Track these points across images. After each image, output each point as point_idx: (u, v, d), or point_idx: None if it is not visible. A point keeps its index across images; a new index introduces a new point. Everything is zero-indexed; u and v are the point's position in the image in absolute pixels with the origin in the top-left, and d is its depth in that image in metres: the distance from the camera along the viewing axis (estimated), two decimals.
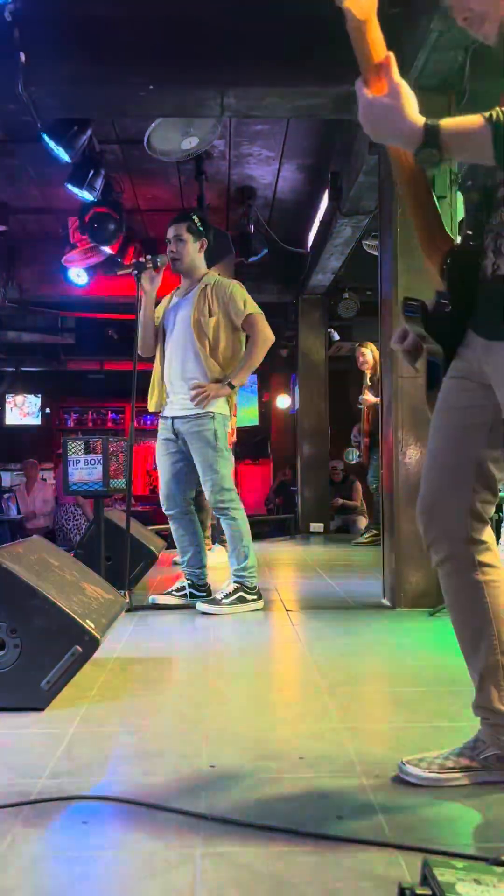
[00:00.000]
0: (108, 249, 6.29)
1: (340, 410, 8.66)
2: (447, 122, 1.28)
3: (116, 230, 5.80)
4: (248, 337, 3.62)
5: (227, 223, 6.90)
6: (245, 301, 3.59)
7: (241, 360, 3.59)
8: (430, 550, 1.60)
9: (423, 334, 1.53)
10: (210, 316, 3.56)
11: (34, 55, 3.58)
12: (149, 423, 12.98)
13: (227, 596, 3.53)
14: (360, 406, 6.63)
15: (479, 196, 1.46)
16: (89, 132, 4.64)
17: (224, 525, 3.62)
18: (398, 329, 1.60)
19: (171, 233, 3.65)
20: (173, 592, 3.71)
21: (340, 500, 9.13)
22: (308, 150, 5.64)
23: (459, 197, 1.54)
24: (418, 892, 0.98)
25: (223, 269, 5.94)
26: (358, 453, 7.06)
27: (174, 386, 3.62)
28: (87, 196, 5.21)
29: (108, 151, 5.47)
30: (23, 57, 3.52)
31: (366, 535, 6.68)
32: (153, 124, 4.64)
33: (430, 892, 0.97)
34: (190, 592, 3.67)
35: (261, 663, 2.73)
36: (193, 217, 3.68)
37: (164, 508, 3.73)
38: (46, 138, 4.39)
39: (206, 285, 3.61)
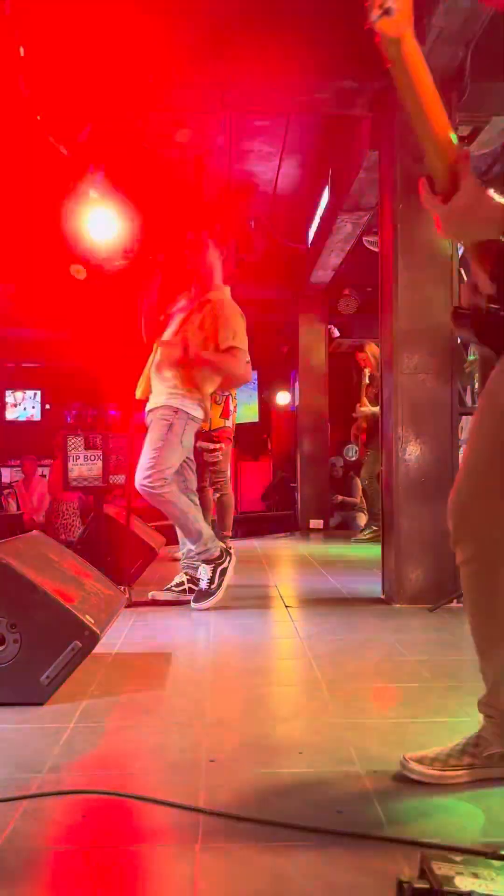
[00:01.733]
0: (108, 246, 6.28)
1: (340, 407, 8.66)
2: None
3: (117, 226, 5.79)
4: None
5: (228, 219, 6.89)
6: (233, 334, 3.53)
7: (217, 356, 3.54)
8: (457, 548, 1.58)
9: (474, 341, 1.52)
10: (202, 329, 3.56)
11: (34, 49, 3.57)
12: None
13: (210, 581, 3.53)
14: (356, 416, 6.65)
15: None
16: (89, 127, 4.63)
17: (164, 511, 3.57)
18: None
19: (190, 238, 3.68)
20: (172, 588, 3.72)
21: (340, 497, 9.13)
22: (308, 146, 5.63)
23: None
24: (416, 885, 0.98)
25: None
26: (357, 449, 7.08)
27: (154, 379, 3.65)
28: (86, 192, 5.20)
29: (108, 149, 5.45)
30: (22, 51, 3.52)
31: (365, 532, 6.69)
32: None
33: (428, 886, 0.97)
34: (189, 588, 3.67)
35: (260, 659, 2.73)
36: (216, 225, 3.71)
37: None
38: (46, 134, 4.38)
39: (209, 300, 3.61)
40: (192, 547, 3.59)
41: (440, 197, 1.32)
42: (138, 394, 3.73)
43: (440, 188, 1.32)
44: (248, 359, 3.61)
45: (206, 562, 3.57)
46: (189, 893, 1.18)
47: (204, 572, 3.57)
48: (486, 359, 1.56)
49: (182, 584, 3.70)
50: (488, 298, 1.47)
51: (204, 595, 3.52)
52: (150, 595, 3.67)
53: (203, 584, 3.55)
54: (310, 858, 1.28)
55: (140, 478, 3.49)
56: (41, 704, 2.09)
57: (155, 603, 3.63)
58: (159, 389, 3.61)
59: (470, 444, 1.60)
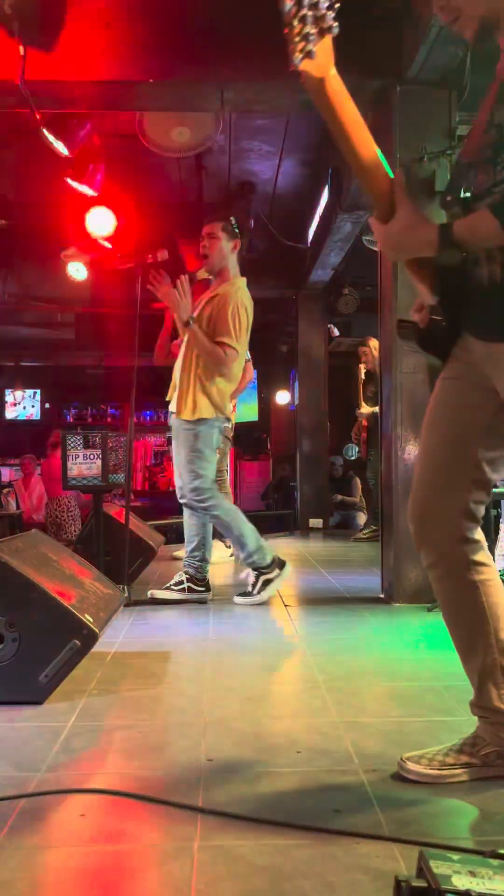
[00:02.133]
0: (107, 244, 6.28)
1: (340, 406, 8.66)
2: (457, 222, 1.37)
3: (116, 225, 5.80)
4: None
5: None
6: (226, 331, 3.49)
7: (207, 342, 3.49)
8: (422, 552, 1.60)
9: (418, 351, 1.58)
10: (208, 320, 3.56)
11: (34, 48, 3.56)
12: (148, 418, 12.99)
13: (252, 586, 3.60)
14: (359, 417, 6.63)
15: (461, 210, 1.48)
16: (88, 126, 4.63)
17: (212, 522, 3.65)
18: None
19: (205, 230, 3.66)
20: (172, 587, 3.72)
21: (340, 497, 9.14)
22: (308, 146, 5.62)
23: (440, 213, 1.57)
24: (414, 884, 0.98)
25: None
26: (357, 449, 7.07)
27: (177, 382, 3.67)
28: (86, 190, 5.20)
29: (107, 146, 5.45)
30: (22, 49, 3.51)
31: (365, 531, 6.69)
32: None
33: (425, 884, 0.97)
34: (188, 587, 3.67)
35: (259, 658, 2.74)
36: (230, 217, 3.69)
37: (178, 497, 3.75)
38: (45, 132, 4.38)
39: (218, 294, 3.59)
40: (241, 555, 3.63)
41: (380, 220, 1.42)
42: (168, 396, 3.75)
43: (378, 214, 1.42)
44: (248, 357, 3.59)
45: (254, 569, 3.62)
46: (187, 892, 1.18)
47: (248, 577, 3.66)
48: (434, 368, 1.60)
49: (181, 582, 3.70)
50: (431, 310, 1.51)
51: (246, 595, 3.61)
52: (149, 594, 3.68)
53: (248, 588, 3.64)
54: (307, 857, 1.28)
55: (185, 493, 3.56)
56: (40, 703, 2.09)
57: (154, 602, 3.64)
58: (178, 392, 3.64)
59: (421, 451, 1.63)
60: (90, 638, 2.14)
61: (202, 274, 3.69)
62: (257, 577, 3.61)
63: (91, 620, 2.17)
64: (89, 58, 3.72)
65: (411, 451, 3.65)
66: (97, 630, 2.17)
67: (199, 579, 3.69)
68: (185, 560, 3.75)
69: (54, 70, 3.69)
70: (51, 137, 4.42)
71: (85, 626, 2.13)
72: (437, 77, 3.58)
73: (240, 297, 3.59)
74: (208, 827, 1.39)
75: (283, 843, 1.33)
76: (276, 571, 3.62)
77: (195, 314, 3.57)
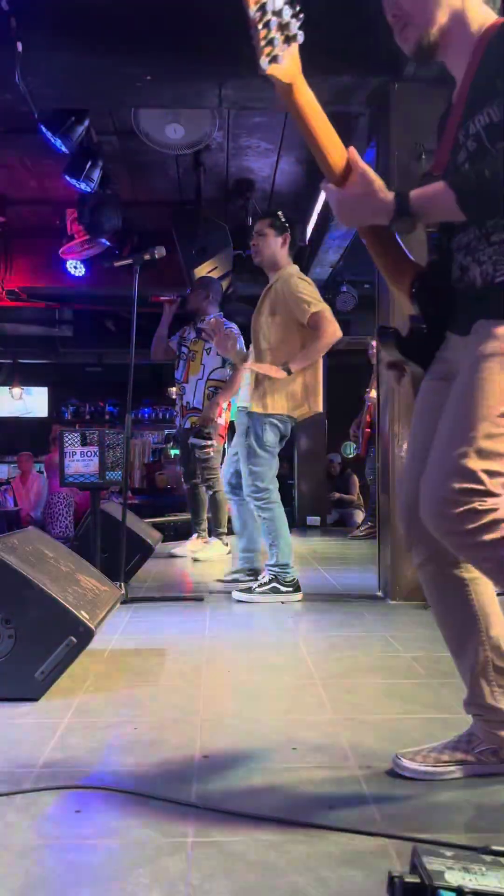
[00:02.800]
0: (105, 241, 6.28)
1: (338, 404, 8.66)
2: (414, 191, 1.36)
3: (114, 222, 5.79)
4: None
5: (226, 216, 6.89)
6: (309, 301, 3.54)
7: (302, 352, 3.57)
8: (413, 550, 1.60)
9: (399, 358, 1.59)
10: (273, 314, 3.59)
11: (31, 44, 3.56)
12: (146, 416, 12.99)
13: (260, 585, 3.61)
14: (367, 401, 6.60)
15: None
16: (87, 123, 4.63)
17: (259, 520, 3.71)
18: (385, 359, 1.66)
19: (255, 228, 3.74)
20: (255, 590, 3.62)
21: (337, 494, 9.14)
22: (306, 143, 5.62)
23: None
24: (407, 879, 0.98)
25: (220, 261, 5.95)
26: (355, 446, 7.07)
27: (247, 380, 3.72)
28: (84, 187, 5.20)
29: (105, 143, 5.45)
30: (20, 46, 3.51)
31: (362, 528, 6.69)
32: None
33: (419, 880, 0.98)
34: (272, 587, 3.61)
35: (255, 655, 2.74)
36: (278, 213, 3.76)
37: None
38: (44, 129, 4.38)
39: (273, 285, 3.65)
40: (270, 561, 3.66)
41: (335, 184, 1.42)
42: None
43: (333, 178, 1.42)
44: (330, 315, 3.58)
45: (273, 574, 3.62)
46: (182, 887, 1.18)
47: (263, 577, 3.66)
48: (416, 376, 1.61)
49: (266, 583, 3.65)
50: (411, 318, 1.54)
51: (248, 591, 3.61)
52: (235, 597, 3.61)
53: (254, 584, 3.63)
54: (302, 853, 1.28)
55: (247, 493, 3.64)
56: (36, 700, 2.10)
57: (151, 599, 3.64)
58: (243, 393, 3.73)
59: (408, 453, 1.64)
60: (86, 635, 2.15)
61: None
62: (269, 583, 3.61)
63: (87, 617, 2.17)
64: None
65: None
66: (93, 627, 2.17)
67: (250, 570, 3.75)
68: (266, 563, 3.74)
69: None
70: (49, 134, 4.42)
71: (81, 623, 2.13)
72: (435, 74, 3.57)
73: (295, 273, 3.67)
74: (203, 823, 1.39)
75: (278, 838, 1.33)
76: (291, 591, 3.62)
77: (257, 311, 3.65)
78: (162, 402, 13.03)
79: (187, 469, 5.26)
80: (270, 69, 1.26)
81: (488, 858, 1.04)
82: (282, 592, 3.60)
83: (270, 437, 3.60)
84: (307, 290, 3.59)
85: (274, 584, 3.61)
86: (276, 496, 3.65)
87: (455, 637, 1.58)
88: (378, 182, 1.38)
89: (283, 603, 3.56)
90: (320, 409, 3.74)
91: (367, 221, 1.46)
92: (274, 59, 1.25)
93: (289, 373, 3.54)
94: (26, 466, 9.23)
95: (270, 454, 3.63)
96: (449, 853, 1.04)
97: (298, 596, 3.64)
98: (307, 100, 1.37)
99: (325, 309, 3.57)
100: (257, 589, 3.60)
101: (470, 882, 0.97)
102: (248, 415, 3.62)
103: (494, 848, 1.07)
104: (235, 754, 1.73)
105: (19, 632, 2.10)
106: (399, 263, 1.56)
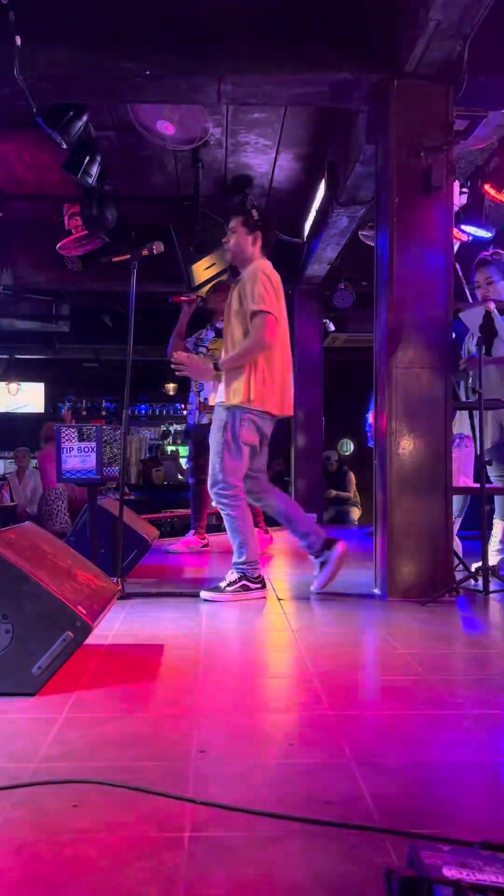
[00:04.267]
0: (103, 236, 6.26)
1: (334, 402, 8.66)
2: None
3: (112, 217, 5.78)
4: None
5: (224, 212, 6.87)
6: (256, 295, 3.45)
7: (231, 351, 3.53)
8: None
9: None
10: (239, 308, 3.57)
11: (30, 39, 3.55)
12: (142, 412, 12.98)
13: (229, 584, 3.57)
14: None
15: None
16: (85, 118, 4.61)
17: (223, 516, 3.64)
18: None
19: (229, 224, 3.71)
20: (224, 589, 3.59)
21: (334, 492, 9.15)
22: (305, 139, 5.61)
23: None
24: (404, 874, 0.98)
25: (218, 258, 5.94)
26: (351, 444, 7.08)
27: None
28: (82, 183, 5.18)
29: (104, 138, 5.44)
30: (18, 40, 3.50)
31: None
32: None
33: (416, 875, 0.98)
34: (242, 585, 3.58)
35: (252, 651, 2.74)
36: (251, 210, 3.74)
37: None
38: (42, 123, 4.36)
39: (240, 280, 3.62)
40: (235, 559, 3.61)
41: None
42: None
43: None
44: (276, 319, 3.50)
45: (241, 572, 3.59)
46: (178, 882, 1.18)
47: (230, 575, 3.61)
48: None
49: (234, 581, 3.61)
50: None
51: (216, 590, 3.57)
52: (202, 594, 3.58)
53: (222, 584, 3.59)
54: (298, 848, 1.28)
55: (215, 489, 3.56)
56: (33, 695, 2.09)
57: (147, 594, 3.64)
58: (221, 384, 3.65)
59: None
60: (84, 630, 2.15)
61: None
62: (238, 581, 3.57)
63: (85, 613, 2.17)
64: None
65: (405, 446, 3.66)
66: (90, 622, 2.17)
67: (255, 578, 3.69)
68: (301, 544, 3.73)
69: None
70: (48, 129, 4.41)
71: (78, 619, 2.13)
72: (435, 71, 3.58)
73: (261, 267, 3.57)
74: (200, 818, 1.39)
75: (275, 833, 1.33)
76: (259, 587, 3.61)
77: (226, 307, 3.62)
78: (158, 398, 13.01)
79: (196, 464, 5.24)
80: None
81: (485, 853, 1.04)
82: (251, 590, 3.58)
83: (246, 432, 3.53)
84: (266, 286, 3.48)
85: (244, 583, 3.57)
86: (244, 493, 3.61)
87: None
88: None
89: (255, 600, 3.55)
90: (278, 412, 3.61)
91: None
92: None
93: (216, 369, 3.51)
94: (23, 462, 9.23)
95: (241, 450, 3.55)
96: (446, 848, 1.04)
97: (265, 592, 3.63)
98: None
99: (270, 315, 3.46)
100: (227, 588, 3.56)
101: (467, 877, 0.97)
102: (227, 409, 3.55)
103: (492, 843, 1.07)
104: (232, 749, 1.74)
105: (17, 627, 2.10)
106: None
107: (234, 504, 3.56)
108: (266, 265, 3.62)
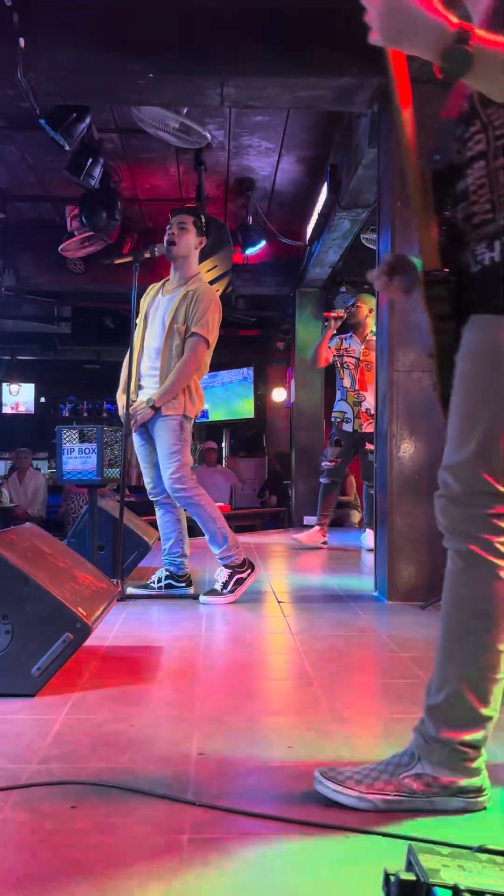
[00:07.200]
0: (105, 238, 6.27)
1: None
2: (480, 31, 1.14)
3: (114, 219, 5.79)
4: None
5: (226, 214, 6.89)
6: (204, 320, 3.52)
7: (164, 385, 3.52)
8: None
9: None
10: (182, 323, 3.56)
11: (33, 41, 3.56)
12: None
13: (223, 585, 3.56)
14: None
15: (448, 171, 1.45)
16: (88, 120, 4.62)
17: (191, 513, 3.61)
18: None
19: (176, 219, 3.67)
20: (152, 584, 3.71)
21: None
22: (307, 143, 5.62)
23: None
24: (403, 877, 0.98)
25: (220, 260, 5.95)
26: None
27: (144, 379, 3.66)
28: (85, 184, 5.19)
29: (106, 140, 5.45)
30: (22, 42, 3.50)
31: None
32: None
33: (414, 878, 0.98)
34: (167, 584, 3.67)
35: (252, 653, 2.74)
36: (201, 215, 3.76)
37: (150, 495, 3.75)
38: (45, 125, 4.37)
39: (188, 292, 3.60)
40: (217, 550, 3.60)
41: None
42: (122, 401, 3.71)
43: None
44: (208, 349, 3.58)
45: (227, 566, 3.59)
46: (177, 884, 1.18)
47: (220, 575, 3.60)
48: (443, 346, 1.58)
49: (161, 579, 3.70)
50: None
51: (214, 594, 3.56)
52: (127, 590, 3.65)
53: (217, 586, 3.58)
54: (297, 850, 1.28)
55: (170, 484, 3.53)
56: (32, 696, 2.09)
57: (148, 597, 3.64)
58: (149, 388, 3.63)
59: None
60: (83, 631, 2.15)
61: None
62: (230, 577, 3.57)
63: (84, 614, 2.17)
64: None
65: (406, 449, 3.66)
66: (90, 624, 2.17)
67: (179, 575, 3.69)
68: (163, 557, 3.74)
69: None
70: (51, 131, 4.42)
71: (78, 620, 2.13)
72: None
73: (215, 299, 3.63)
74: (198, 820, 1.39)
75: (273, 836, 1.33)
76: (249, 570, 3.61)
77: (169, 315, 3.59)
78: None
79: (336, 467, 5.61)
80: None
81: (484, 857, 1.04)
82: (245, 579, 3.58)
83: (187, 434, 3.60)
84: (216, 320, 3.59)
85: (236, 577, 3.56)
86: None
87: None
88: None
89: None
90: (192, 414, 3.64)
91: (413, 39, 1.18)
92: None
93: (154, 409, 3.52)
94: (24, 463, 9.22)
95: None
96: (445, 851, 1.04)
97: (256, 571, 3.64)
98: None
99: (211, 342, 3.58)
100: (224, 591, 3.55)
101: (465, 880, 0.97)
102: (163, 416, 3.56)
103: (490, 847, 1.07)
104: (231, 752, 1.74)
105: (16, 628, 2.10)
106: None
107: (199, 492, 3.55)
108: (217, 296, 3.68)
